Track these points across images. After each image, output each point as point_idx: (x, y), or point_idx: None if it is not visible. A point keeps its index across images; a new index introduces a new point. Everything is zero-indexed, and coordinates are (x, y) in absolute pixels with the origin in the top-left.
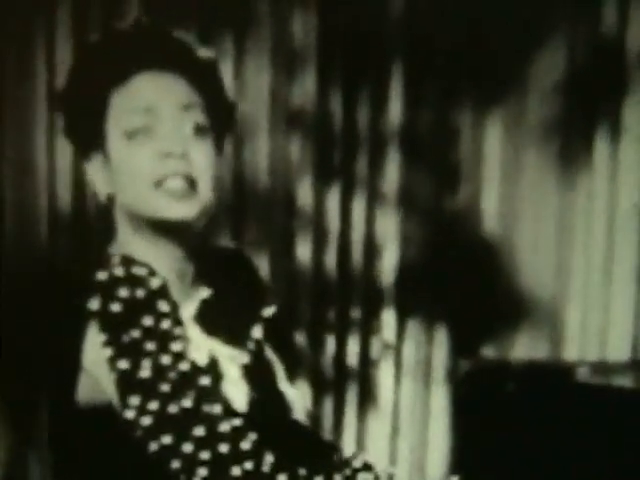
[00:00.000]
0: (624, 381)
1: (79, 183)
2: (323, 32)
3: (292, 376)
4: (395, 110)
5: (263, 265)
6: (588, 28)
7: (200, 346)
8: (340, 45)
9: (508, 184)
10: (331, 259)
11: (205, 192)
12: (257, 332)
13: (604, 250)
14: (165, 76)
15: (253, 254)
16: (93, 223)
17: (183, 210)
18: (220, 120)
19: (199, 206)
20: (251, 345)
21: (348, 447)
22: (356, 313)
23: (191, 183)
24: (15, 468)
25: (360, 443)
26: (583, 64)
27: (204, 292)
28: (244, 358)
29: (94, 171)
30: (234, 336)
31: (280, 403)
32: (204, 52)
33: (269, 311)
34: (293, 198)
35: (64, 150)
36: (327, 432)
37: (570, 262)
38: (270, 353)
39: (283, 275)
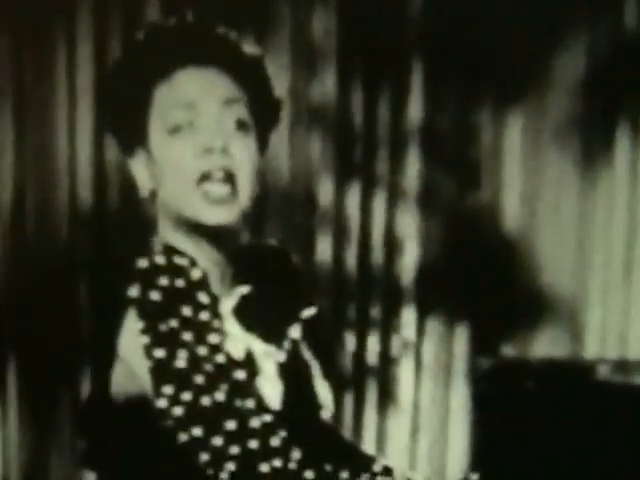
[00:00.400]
0: None
1: (100, 178)
2: (343, 31)
3: (329, 377)
4: (415, 108)
5: None
6: (609, 26)
7: (237, 340)
8: (360, 44)
9: (528, 182)
10: (351, 257)
11: (245, 190)
12: (295, 332)
13: (624, 248)
14: (208, 71)
15: None
16: (113, 217)
17: (223, 215)
18: (264, 117)
19: (238, 209)
20: (288, 344)
21: (368, 444)
22: (376, 311)
23: (231, 178)
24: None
25: (380, 441)
26: (604, 62)
27: (244, 288)
28: (280, 356)
29: (137, 167)
30: (271, 333)
31: (312, 403)
32: (249, 48)
33: (309, 312)
34: (314, 196)
35: (85, 145)
36: (347, 430)
37: (590, 260)
38: (307, 353)
39: (304, 273)
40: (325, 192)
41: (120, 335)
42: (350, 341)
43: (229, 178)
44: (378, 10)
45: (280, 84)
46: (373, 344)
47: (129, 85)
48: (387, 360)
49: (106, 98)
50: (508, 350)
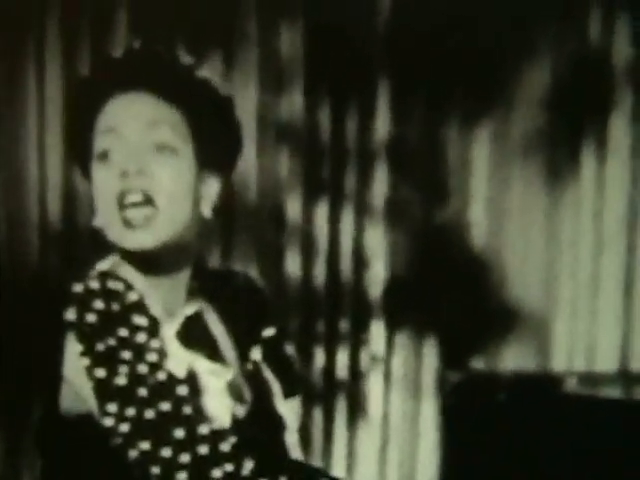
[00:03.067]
0: (612, 392)
1: (69, 195)
2: (310, 48)
3: (289, 395)
4: (382, 124)
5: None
6: (573, 43)
7: (179, 360)
8: (327, 61)
9: (496, 197)
10: (320, 272)
11: (168, 212)
12: (256, 354)
13: (591, 262)
14: (134, 95)
15: (242, 267)
16: (83, 235)
17: (142, 239)
18: (205, 129)
19: (163, 232)
20: (249, 365)
21: (338, 458)
22: (345, 326)
23: (150, 201)
24: (6, 474)
25: (350, 454)
26: (569, 78)
27: (190, 309)
28: (228, 374)
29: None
30: (218, 353)
31: (271, 423)
32: (184, 61)
33: (269, 332)
34: (282, 212)
35: (55, 163)
36: (317, 443)
37: (558, 274)
38: (268, 373)
39: (272, 288)
40: (293, 208)
41: (63, 358)
42: (319, 356)
43: (147, 201)
44: (345, 28)
45: (248, 101)
46: (342, 359)
47: (75, 119)
48: (356, 374)
49: (64, 132)
50: (477, 364)
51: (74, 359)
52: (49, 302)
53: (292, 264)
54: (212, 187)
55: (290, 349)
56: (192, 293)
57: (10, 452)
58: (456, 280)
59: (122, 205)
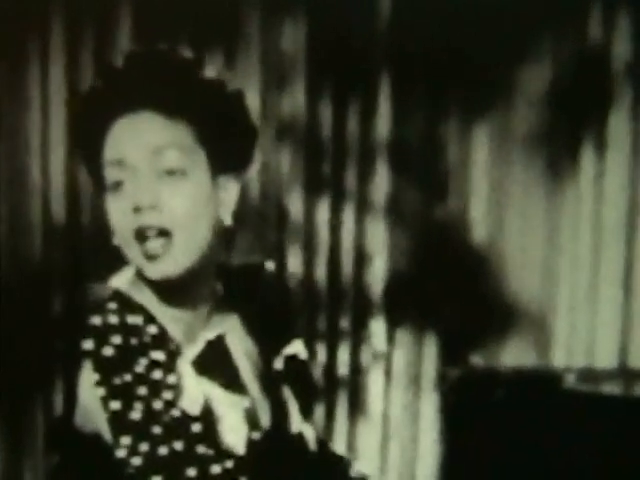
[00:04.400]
0: (611, 388)
1: (73, 195)
2: (312, 45)
3: (307, 416)
4: (383, 122)
5: None
6: (574, 41)
7: (194, 394)
8: (329, 58)
9: (495, 194)
10: (321, 269)
11: (183, 240)
12: (279, 363)
13: (591, 258)
14: (138, 117)
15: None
16: (87, 234)
17: (163, 269)
18: (218, 136)
19: (181, 260)
20: (271, 378)
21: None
22: (346, 322)
23: (165, 232)
24: (8, 474)
25: (350, 450)
26: (569, 76)
27: (212, 332)
28: (245, 403)
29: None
30: (236, 380)
31: (292, 442)
32: (207, 73)
33: (294, 348)
34: (283, 209)
35: (58, 163)
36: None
37: (557, 270)
38: (287, 392)
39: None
40: (295, 205)
41: (79, 381)
42: (320, 352)
43: (162, 233)
44: (346, 26)
45: (249, 98)
46: (343, 355)
47: (84, 140)
48: (357, 371)
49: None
50: (477, 360)
51: (90, 386)
52: (62, 331)
53: (293, 261)
54: (232, 191)
55: (314, 371)
56: (216, 303)
57: (12, 453)
58: (456, 277)
59: (139, 239)
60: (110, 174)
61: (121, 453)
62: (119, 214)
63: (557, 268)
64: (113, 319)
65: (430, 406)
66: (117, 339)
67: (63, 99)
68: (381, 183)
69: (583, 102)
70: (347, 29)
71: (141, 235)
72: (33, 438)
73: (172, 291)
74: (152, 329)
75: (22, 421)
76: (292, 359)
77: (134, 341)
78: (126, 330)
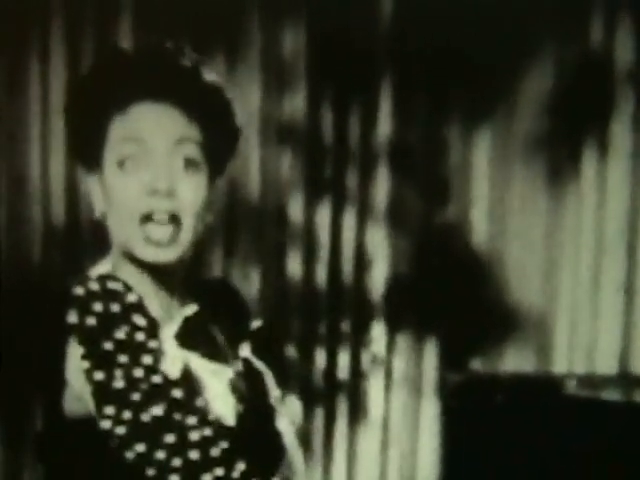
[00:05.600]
0: (612, 394)
1: (72, 194)
2: (313, 48)
3: (282, 384)
4: (385, 125)
5: (254, 279)
6: (576, 45)
7: (175, 360)
8: (330, 61)
9: (497, 199)
10: (321, 272)
11: (188, 230)
12: (245, 350)
13: (592, 264)
14: (162, 107)
15: (244, 268)
16: (86, 236)
17: (162, 255)
18: (220, 149)
19: (181, 249)
20: (239, 364)
21: (339, 459)
22: (346, 326)
23: (175, 220)
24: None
25: (350, 455)
26: (571, 81)
27: (188, 310)
28: (229, 372)
29: (92, 187)
30: (218, 352)
31: (267, 414)
32: (210, 78)
33: (256, 324)
34: (284, 212)
35: (57, 164)
36: (317, 444)
37: (558, 276)
38: (260, 365)
39: (274, 288)
40: (295, 208)
41: (66, 360)
42: (320, 356)
43: (172, 219)
44: (348, 28)
45: (250, 101)
46: (343, 359)
47: (86, 115)
48: (357, 375)
49: (64, 119)
50: (477, 365)
51: (75, 362)
52: (51, 302)
53: (294, 264)
54: (219, 190)
55: (281, 341)
56: (186, 296)
57: (11, 453)
58: (457, 281)
59: (146, 221)
60: (121, 149)
61: (105, 424)
62: (127, 192)
63: (558, 273)
64: (94, 286)
65: (430, 411)
66: (98, 306)
67: (63, 96)
68: (382, 187)
69: (585, 106)
70: (348, 32)
71: (149, 218)
72: (31, 437)
73: (160, 272)
74: (132, 297)
75: (22, 421)
76: (255, 334)
77: (115, 307)
78: (107, 296)
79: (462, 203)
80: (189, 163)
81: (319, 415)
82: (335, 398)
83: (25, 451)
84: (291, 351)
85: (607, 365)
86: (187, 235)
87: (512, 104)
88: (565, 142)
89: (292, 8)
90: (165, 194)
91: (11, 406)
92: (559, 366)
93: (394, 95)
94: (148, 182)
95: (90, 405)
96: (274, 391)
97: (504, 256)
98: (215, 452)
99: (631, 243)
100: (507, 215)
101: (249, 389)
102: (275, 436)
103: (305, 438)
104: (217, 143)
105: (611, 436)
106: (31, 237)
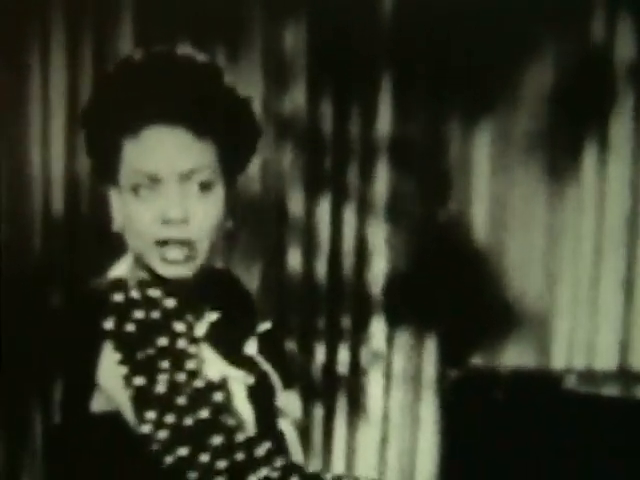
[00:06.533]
0: (612, 390)
1: (73, 188)
2: (313, 43)
3: (288, 387)
4: (385, 120)
5: (254, 274)
6: (576, 41)
7: (213, 364)
8: (330, 56)
9: (497, 194)
10: (321, 268)
11: (203, 250)
12: (251, 348)
13: (592, 259)
14: (173, 132)
15: (244, 263)
16: (87, 229)
17: (179, 272)
18: (239, 153)
19: (198, 263)
20: (248, 364)
21: (338, 455)
22: (346, 322)
23: (189, 244)
24: (6, 474)
25: (349, 451)
26: (571, 76)
27: (213, 315)
28: (250, 379)
29: (113, 199)
30: (239, 357)
31: (274, 414)
32: (221, 79)
33: (265, 326)
34: (284, 207)
35: (58, 157)
36: (317, 440)
37: (558, 271)
38: (266, 366)
39: (274, 284)
40: (295, 203)
41: (99, 365)
42: (320, 352)
43: (187, 245)
44: (348, 23)
45: (250, 96)
46: (343, 355)
47: (99, 136)
48: (357, 371)
49: (82, 127)
50: (477, 361)
51: (111, 367)
52: (82, 311)
53: (294, 259)
54: (235, 196)
55: (287, 342)
56: (203, 299)
57: (10, 452)
58: (457, 277)
59: (161, 244)
60: (133, 178)
61: (146, 429)
62: (142, 218)
63: (558, 269)
64: (135, 294)
65: (430, 407)
66: (139, 313)
67: (64, 91)
68: (382, 182)
69: (585, 103)
70: (349, 27)
71: (164, 244)
72: (32, 439)
73: (178, 284)
74: (170, 302)
75: (22, 421)
76: (264, 335)
77: (156, 314)
78: (148, 303)
79: (462, 199)
80: (204, 187)
81: (318, 411)
82: (334, 394)
83: (25, 451)
84: (291, 346)
85: (607, 361)
86: (203, 253)
87: (512, 100)
88: (565, 139)
89: (293, 4)
90: (179, 222)
91: (9, 405)
92: (559, 361)
93: (394, 90)
94: (161, 212)
95: (125, 411)
96: (279, 392)
97: (504, 252)
98: (260, 452)
99: (631, 239)
100: (507, 211)
101: (259, 392)
102: (279, 437)
103: (304, 433)
104: (235, 150)
105: (611, 432)
106: (31, 230)
